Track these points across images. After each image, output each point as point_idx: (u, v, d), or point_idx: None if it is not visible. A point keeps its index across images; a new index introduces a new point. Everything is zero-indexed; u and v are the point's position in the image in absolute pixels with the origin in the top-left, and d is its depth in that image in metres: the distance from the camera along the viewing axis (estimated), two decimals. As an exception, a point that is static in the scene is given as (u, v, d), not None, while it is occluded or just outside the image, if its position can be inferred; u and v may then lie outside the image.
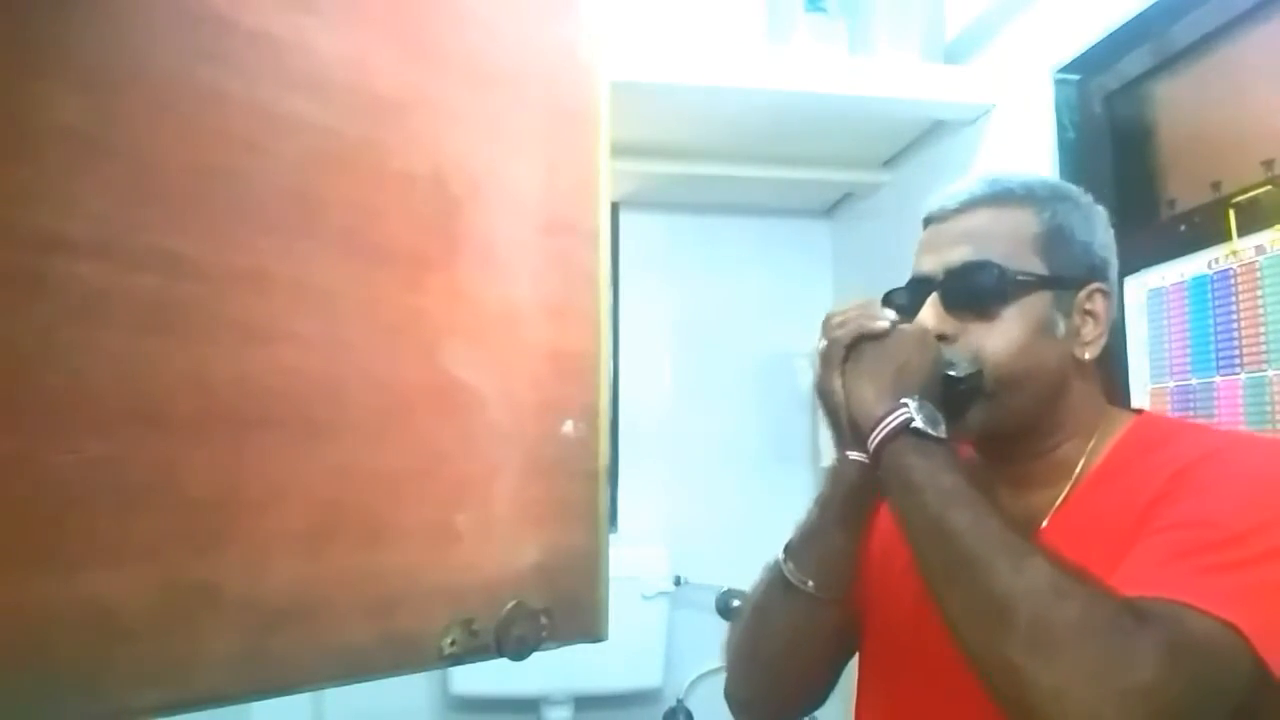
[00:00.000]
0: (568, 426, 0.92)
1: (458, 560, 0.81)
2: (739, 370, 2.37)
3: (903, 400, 0.77)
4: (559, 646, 0.89)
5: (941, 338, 0.84)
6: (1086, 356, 0.86)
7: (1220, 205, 1.19)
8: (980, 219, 0.86)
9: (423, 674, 1.96)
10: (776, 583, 0.93)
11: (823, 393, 0.86)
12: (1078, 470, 0.85)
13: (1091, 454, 0.85)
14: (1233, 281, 1.18)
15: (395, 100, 0.80)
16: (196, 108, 0.66)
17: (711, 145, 2.01)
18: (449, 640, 0.79)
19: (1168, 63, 1.37)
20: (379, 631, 0.75)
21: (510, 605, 0.83)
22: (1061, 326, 0.85)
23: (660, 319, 2.37)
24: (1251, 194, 1.15)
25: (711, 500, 2.30)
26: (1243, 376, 1.16)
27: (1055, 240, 0.85)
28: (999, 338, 0.83)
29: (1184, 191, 1.32)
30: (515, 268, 0.89)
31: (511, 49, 0.90)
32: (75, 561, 0.58)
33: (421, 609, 0.78)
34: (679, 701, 2.15)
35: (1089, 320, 0.86)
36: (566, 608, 0.90)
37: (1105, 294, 0.87)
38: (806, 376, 2.38)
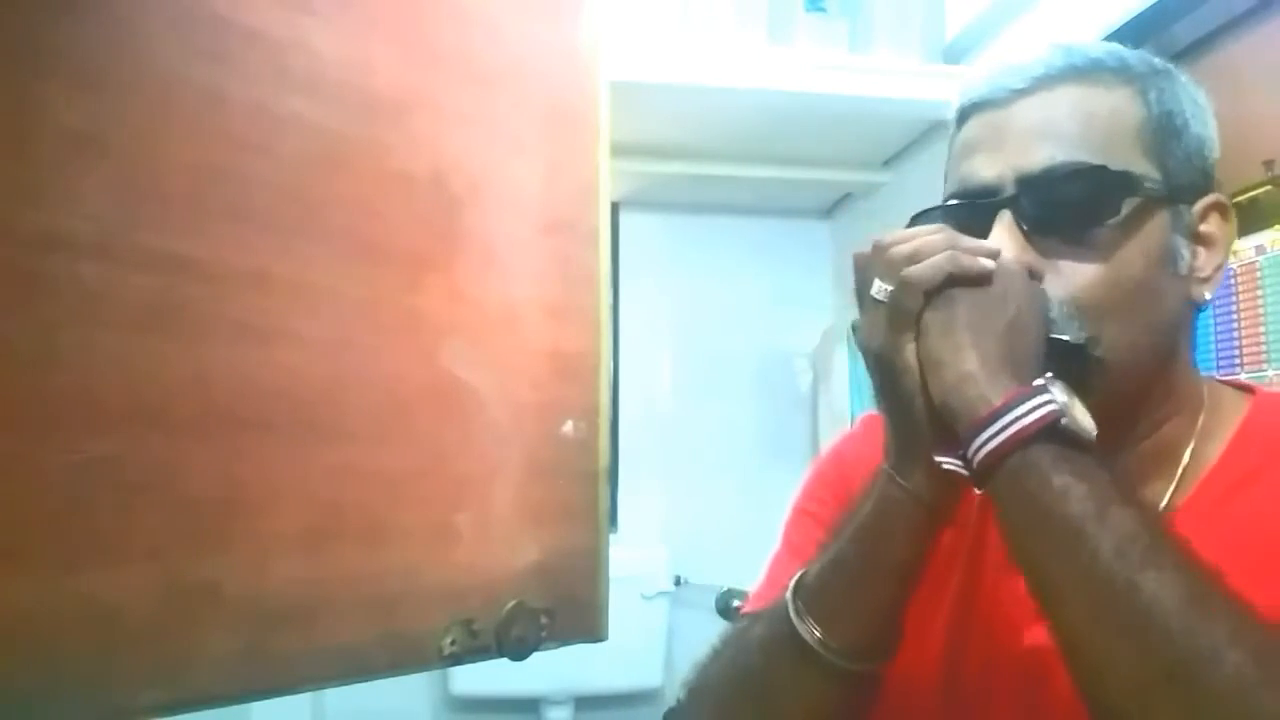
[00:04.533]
0: (568, 426, 0.92)
1: (458, 560, 0.81)
2: (739, 370, 2.37)
3: (1037, 381, 0.52)
4: (559, 646, 0.89)
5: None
6: (1206, 297, 0.62)
7: (1220, 205, 1.19)
8: (1062, 101, 0.61)
9: (423, 674, 1.96)
10: (780, 645, 0.63)
11: (888, 367, 0.58)
12: (1184, 462, 0.62)
13: (1201, 442, 0.62)
14: (1233, 281, 1.18)
15: (395, 100, 0.79)
16: (196, 108, 0.66)
17: (711, 145, 2.01)
18: (449, 640, 0.79)
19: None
20: (379, 631, 0.75)
21: (510, 605, 0.83)
22: (1185, 257, 0.61)
23: (660, 319, 2.36)
24: (1251, 194, 1.15)
25: (711, 500, 2.30)
26: (1243, 376, 1.16)
27: (1167, 133, 0.62)
28: (1113, 279, 0.59)
29: (1184, 191, 1.32)
30: (515, 268, 0.89)
31: (511, 49, 0.90)
32: (75, 561, 0.58)
33: (421, 609, 0.78)
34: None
35: (1202, 248, 0.63)
36: (566, 608, 0.90)
37: (1224, 210, 0.64)
38: (806, 376, 2.38)
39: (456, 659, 0.80)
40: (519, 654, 0.84)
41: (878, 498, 0.61)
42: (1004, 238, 0.59)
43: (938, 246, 0.57)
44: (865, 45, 1.86)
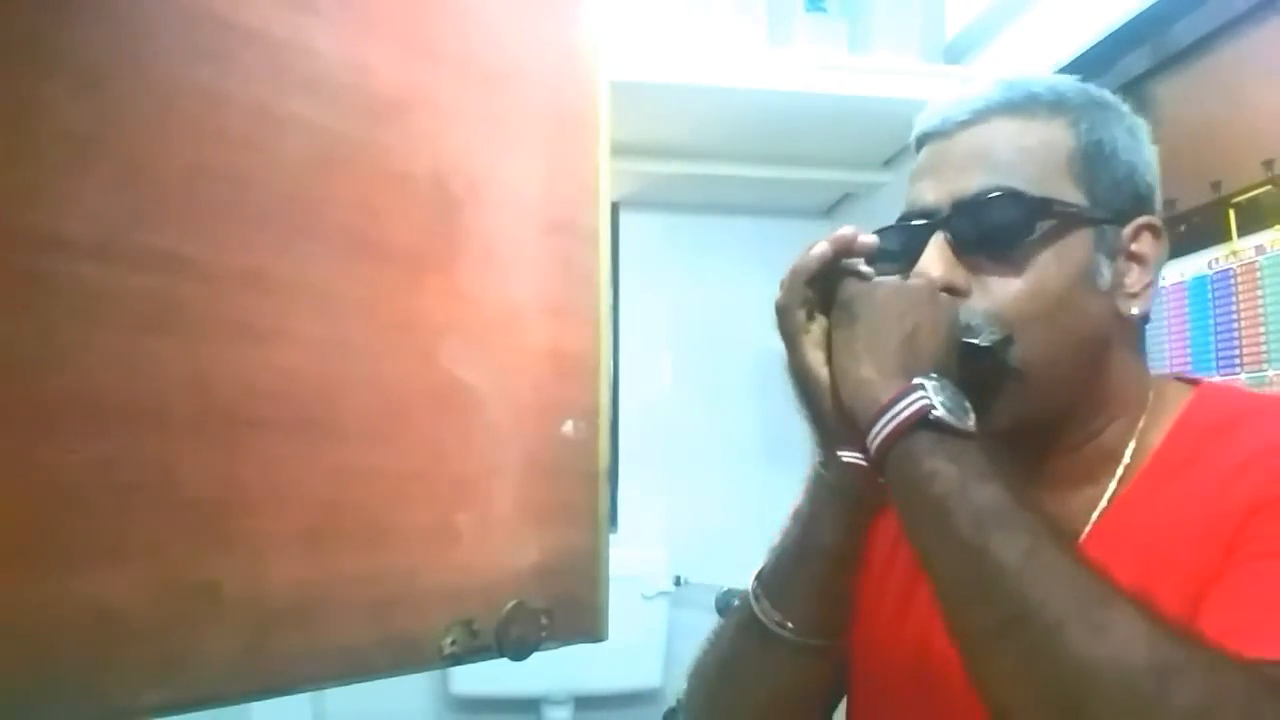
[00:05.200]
0: (568, 426, 0.92)
1: (458, 560, 0.81)
2: (739, 370, 2.37)
3: (916, 380, 0.57)
4: (559, 646, 0.89)
5: (952, 292, 0.65)
6: (1134, 312, 0.67)
7: (1220, 205, 1.19)
8: (998, 133, 0.68)
9: (423, 674, 1.96)
10: (748, 628, 0.73)
11: (796, 374, 0.68)
12: (1125, 460, 0.67)
13: (1142, 439, 0.67)
14: (1233, 281, 1.18)
15: (395, 100, 0.79)
16: (196, 108, 0.66)
17: (711, 145, 2.01)
18: (449, 640, 0.79)
19: (1168, 63, 1.37)
20: (379, 632, 0.75)
21: (510, 605, 0.83)
22: (1106, 274, 0.66)
23: (660, 319, 2.37)
24: (1251, 194, 1.15)
25: (711, 500, 2.30)
26: (1243, 376, 1.16)
27: (1095, 160, 0.67)
28: (1030, 292, 0.65)
29: (1184, 191, 1.32)
30: (515, 268, 0.89)
31: (511, 49, 0.90)
32: (75, 561, 0.58)
33: (421, 609, 0.78)
34: (679, 701, 2.15)
35: (1134, 265, 0.68)
36: (566, 608, 0.90)
37: (1155, 231, 0.69)
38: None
39: (456, 659, 0.80)
40: (519, 654, 0.84)
41: (810, 489, 0.73)
42: (935, 256, 0.66)
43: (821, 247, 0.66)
44: (865, 45, 1.87)
